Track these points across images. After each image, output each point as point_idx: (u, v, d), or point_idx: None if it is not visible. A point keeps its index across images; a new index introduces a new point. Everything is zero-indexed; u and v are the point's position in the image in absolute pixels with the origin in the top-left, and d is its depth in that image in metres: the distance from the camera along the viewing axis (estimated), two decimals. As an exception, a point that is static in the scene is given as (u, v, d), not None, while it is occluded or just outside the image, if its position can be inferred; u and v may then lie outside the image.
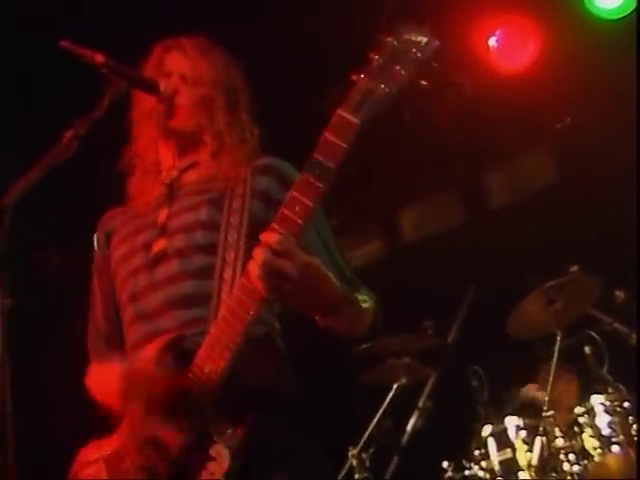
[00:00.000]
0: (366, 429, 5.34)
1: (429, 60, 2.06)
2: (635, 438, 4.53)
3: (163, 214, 2.50)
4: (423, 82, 2.08)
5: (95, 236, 2.69)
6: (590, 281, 5.04)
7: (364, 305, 2.35)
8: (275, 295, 2.09)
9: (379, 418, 5.40)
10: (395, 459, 5.49)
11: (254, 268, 2.04)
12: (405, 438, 5.51)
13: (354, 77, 2.10)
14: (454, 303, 6.14)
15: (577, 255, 5.24)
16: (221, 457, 2.10)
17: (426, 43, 2.07)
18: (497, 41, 5.86)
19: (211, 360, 2.15)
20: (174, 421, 2.17)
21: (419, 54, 2.05)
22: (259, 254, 2.03)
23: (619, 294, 5.15)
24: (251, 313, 2.11)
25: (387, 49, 2.08)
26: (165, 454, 2.16)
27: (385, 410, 5.43)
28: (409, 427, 5.54)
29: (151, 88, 2.51)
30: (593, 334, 4.93)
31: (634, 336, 5.13)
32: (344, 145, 2.04)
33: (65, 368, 2.66)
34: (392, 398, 5.47)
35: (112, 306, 2.58)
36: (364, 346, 5.30)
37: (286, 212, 2.07)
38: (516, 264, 5.46)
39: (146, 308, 2.42)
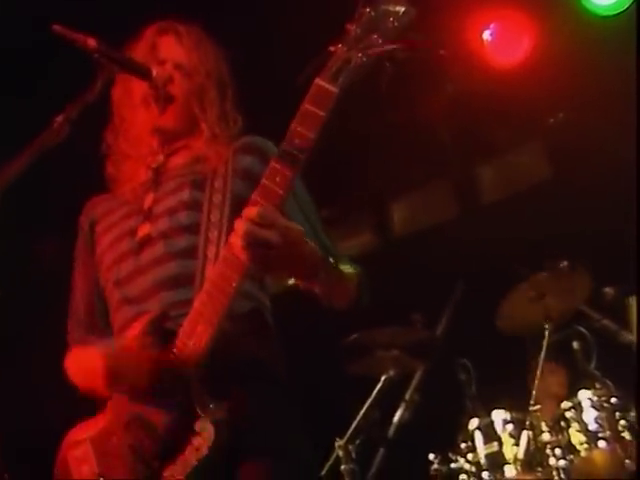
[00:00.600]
0: (353, 420, 5.33)
1: (406, 29, 2.08)
2: (622, 434, 4.53)
3: (149, 199, 2.52)
4: (400, 51, 2.09)
5: (79, 222, 2.70)
6: (581, 277, 5.05)
7: (346, 271, 2.34)
8: (259, 264, 2.09)
9: (366, 410, 5.39)
10: (381, 451, 5.50)
11: (236, 240, 2.05)
12: (392, 430, 5.53)
13: (331, 48, 2.11)
14: (444, 296, 6.16)
15: (568, 251, 5.25)
16: (206, 431, 2.11)
17: (403, 12, 2.08)
18: (491, 35, 5.85)
19: (195, 334, 2.16)
20: (159, 398, 2.19)
21: (396, 23, 2.07)
22: (240, 226, 2.04)
23: (608, 291, 5.15)
24: (234, 285, 2.13)
25: (364, 19, 2.10)
26: (151, 431, 2.18)
27: (373, 402, 5.42)
28: (396, 419, 5.55)
29: (144, 74, 2.50)
30: (582, 330, 4.93)
31: (624, 333, 5.16)
32: (322, 114, 2.06)
33: (55, 355, 2.63)
34: (380, 390, 5.46)
35: (94, 293, 2.59)
36: (353, 337, 5.29)
37: (267, 183, 2.10)
38: (506, 259, 5.47)
39: (132, 292, 2.43)
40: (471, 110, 6.03)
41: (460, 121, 6.13)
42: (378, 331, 5.38)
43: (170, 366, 2.18)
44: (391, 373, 5.50)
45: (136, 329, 2.26)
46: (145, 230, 2.45)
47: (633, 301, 5.00)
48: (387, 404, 5.55)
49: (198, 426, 2.12)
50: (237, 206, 2.27)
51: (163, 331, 2.24)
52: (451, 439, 4.97)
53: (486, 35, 5.82)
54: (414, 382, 5.75)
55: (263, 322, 2.44)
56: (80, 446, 2.37)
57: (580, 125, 6.08)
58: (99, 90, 2.34)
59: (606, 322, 5.21)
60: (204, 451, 2.10)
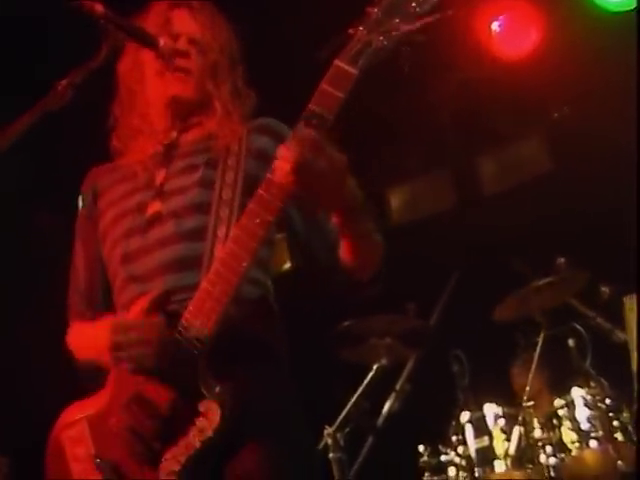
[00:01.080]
0: (343, 408, 5.28)
1: (427, 14, 2.05)
2: (614, 435, 4.50)
3: (160, 175, 2.45)
4: (420, 36, 2.06)
5: (81, 193, 2.62)
6: (577, 272, 5.02)
7: (376, 236, 2.29)
8: (303, 191, 2.03)
9: (357, 398, 5.34)
10: (370, 440, 5.45)
11: (282, 164, 2.00)
12: (381, 420, 5.48)
13: (351, 30, 2.08)
14: (439, 286, 6.11)
15: (566, 246, 5.21)
16: (211, 413, 2.07)
17: None
18: (500, 26, 5.80)
19: (202, 314, 2.12)
20: (163, 377, 2.14)
21: (418, 8, 2.04)
22: (286, 150, 2.00)
23: (605, 290, 5.11)
24: (244, 265, 2.09)
25: (386, 2, 2.07)
26: (153, 411, 2.13)
27: (364, 390, 5.38)
28: (385, 409, 5.50)
29: (150, 42, 2.43)
30: (578, 327, 4.90)
31: (617, 332, 5.12)
32: (341, 95, 2.02)
33: (53, 332, 2.60)
34: (372, 379, 5.41)
35: (96, 268, 2.52)
36: (346, 324, 5.25)
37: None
38: (504, 251, 5.43)
39: (138, 271, 2.36)
40: (475, 100, 5.99)
41: (464, 111, 6.07)
42: (372, 318, 5.33)
43: (176, 344, 2.13)
44: (384, 362, 5.45)
45: (138, 307, 2.21)
46: (156, 207, 2.39)
47: (629, 300, 4.95)
48: (378, 393, 5.49)
49: (203, 407, 2.08)
50: (249, 186, 2.24)
51: (166, 312, 2.20)
52: (442, 431, 4.94)
53: (495, 26, 5.77)
54: (405, 372, 5.68)
55: (269, 308, 2.40)
56: (75, 426, 2.30)
57: (584, 120, 6.02)
58: (104, 57, 2.30)
59: (600, 320, 5.15)
60: (208, 433, 2.06)
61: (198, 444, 2.06)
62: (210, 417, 2.06)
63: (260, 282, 2.37)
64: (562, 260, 5.04)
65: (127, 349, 2.17)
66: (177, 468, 2.07)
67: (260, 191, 2.10)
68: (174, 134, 2.52)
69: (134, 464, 2.15)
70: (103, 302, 2.51)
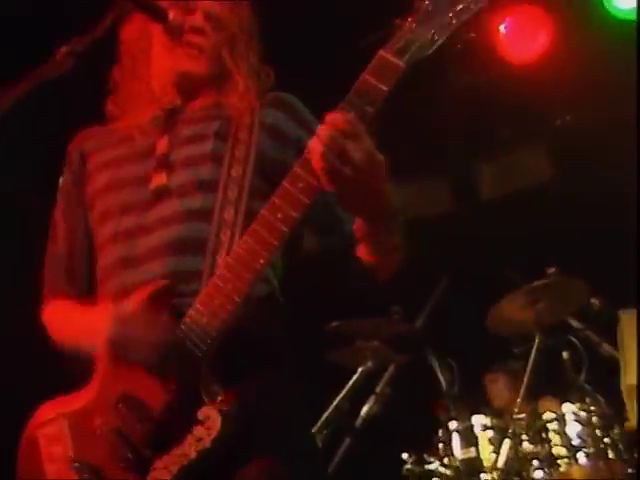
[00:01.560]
0: (325, 410, 5.14)
1: (481, 11, 1.92)
2: (606, 451, 4.38)
3: (163, 143, 2.23)
4: (471, 34, 1.96)
5: (67, 153, 2.40)
6: (575, 284, 4.90)
7: (396, 254, 2.10)
8: (333, 182, 1.82)
9: (339, 401, 5.21)
10: (347, 442, 5.31)
11: (317, 145, 1.80)
12: (359, 422, 5.33)
13: (398, 21, 1.93)
14: (428, 291, 5.97)
15: (560, 257, 5.09)
16: (211, 421, 1.87)
17: None
18: (507, 28, 5.68)
19: (210, 312, 1.93)
20: (160, 377, 1.93)
21: (472, 5, 1.90)
22: (324, 131, 1.80)
23: (594, 302, 4.99)
24: (262, 262, 1.90)
25: None
26: (145, 414, 1.92)
27: (347, 393, 5.25)
28: (364, 411, 5.36)
29: (159, 15, 2.28)
30: (574, 340, 4.77)
31: (605, 346, 5.00)
32: (385, 88, 1.85)
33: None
34: (356, 381, 5.28)
35: (80, 238, 2.30)
36: (333, 325, 5.13)
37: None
38: (497, 259, 5.31)
39: (134, 252, 2.13)
40: (480, 103, 5.85)
41: (467, 114, 5.94)
42: (359, 321, 5.23)
43: (180, 345, 1.93)
44: (369, 365, 5.34)
45: (139, 297, 2.00)
46: (161, 180, 2.17)
47: (626, 316, 4.84)
48: (361, 396, 5.37)
49: (202, 414, 1.88)
50: (261, 164, 2.10)
51: (168, 306, 1.99)
52: (427, 439, 4.80)
53: (503, 28, 5.65)
54: (387, 375, 5.55)
55: (277, 307, 2.19)
56: (53, 423, 2.08)
57: (587, 129, 5.92)
58: (108, 26, 2.17)
59: (589, 333, 5.04)
60: (206, 443, 1.85)
61: (194, 454, 1.86)
62: (209, 426, 1.86)
63: (269, 278, 2.17)
64: (553, 270, 4.92)
65: (129, 346, 1.96)
66: (167, 478, 1.87)
67: (285, 184, 1.90)
68: (178, 100, 2.33)
69: (118, 470, 1.93)
70: (86, 278, 2.28)
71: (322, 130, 1.81)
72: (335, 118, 1.81)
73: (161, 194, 2.16)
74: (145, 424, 1.92)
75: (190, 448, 1.86)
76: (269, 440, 1.97)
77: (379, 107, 1.85)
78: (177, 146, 2.22)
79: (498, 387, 5.19)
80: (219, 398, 1.89)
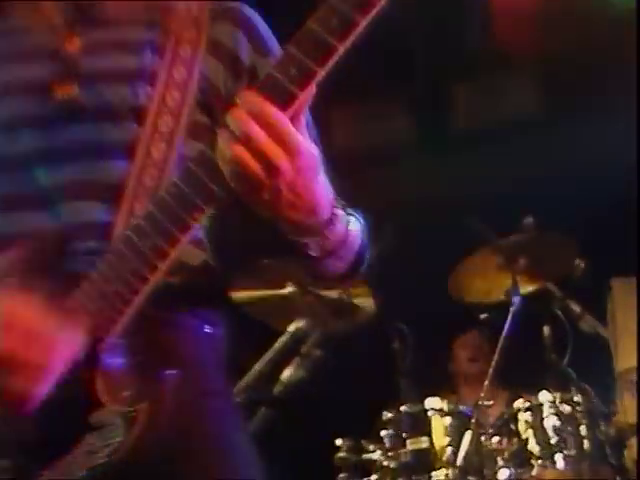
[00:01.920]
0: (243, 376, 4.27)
1: None
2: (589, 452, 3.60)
3: (73, 43, 1.76)
4: None
5: None
6: (560, 242, 4.21)
7: (352, 227, 1.62)
8: (246, 194, 1.40)
9: (263, 366, 4.33)
10: (262, 412, 4.47)
11: (232, 146, 1.35)
12: (278, 389, 4.48)
13: None
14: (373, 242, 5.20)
15: (540, 210, 4.32)
16: (109, 429, 1.49)
17: None
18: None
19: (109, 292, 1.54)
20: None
21: None
22: (238, 117, 1.35)
23: (579, 263, 4.19)
24: (196, 216, 1.49)
25: None
26: (18, 419, 1.48)
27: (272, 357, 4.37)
28: (283, 377, 4.49)
29: None
30: (559, 313, 3.96)
31: (588, 319, 4.23)
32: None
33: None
34: (285, 343, 4.39)
35: None
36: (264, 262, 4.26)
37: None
38: (463, 210, 4.51)
39: (20, 189, 1.67)
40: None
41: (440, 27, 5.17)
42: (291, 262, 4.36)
43: (67, 325, 1.49)
44: (301, 325, 4.42)
45: (17, 253, 1.56)
46: (69, 91, 1.69)
47: (619, 283, 4.10)
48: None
49: (98, 419, 1.50)
50: (205, 93, 1.70)
51: (60, 270, 1.56)
52: (369, 423, 3.97)
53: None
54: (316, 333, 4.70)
55: (214, 278, 1.74)
56: None
57: (577, 61, 5.30)
58: None
59: (570, 302, 4.23)
60: (101, 456, 1.47)
61: (83, 471, 1.46)
62: (107, 435, 1.49)
63: (204, 244, 1.76)
64: (530, 220, 4.21)
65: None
66: None
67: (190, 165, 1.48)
68: None
69: None
70: None
71: (235, 114, 1.36)
72: (254, 102, 1.35)
73: (69, 111, 1.69)
74: (18, 431, 1.51)
75: (81, 460, 1.47)
76: (191, 443, 1.60)
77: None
78: (92, 53, 1.75)
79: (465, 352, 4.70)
80: (125, 396, 1.51)
